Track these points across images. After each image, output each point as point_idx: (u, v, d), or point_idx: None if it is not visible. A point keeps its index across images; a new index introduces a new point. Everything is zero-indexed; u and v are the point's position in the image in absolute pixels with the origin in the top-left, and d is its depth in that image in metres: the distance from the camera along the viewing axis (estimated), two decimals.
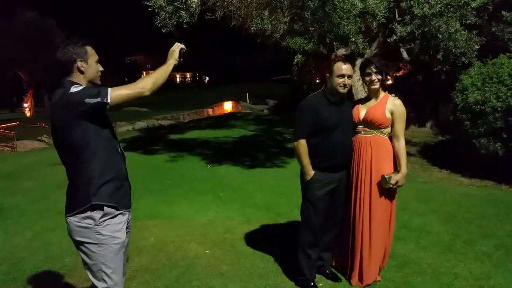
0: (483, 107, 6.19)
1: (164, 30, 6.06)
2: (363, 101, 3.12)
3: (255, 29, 5.88)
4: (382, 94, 3.03)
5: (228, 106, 24.96)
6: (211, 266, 3.46)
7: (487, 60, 6.88)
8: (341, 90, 2.93)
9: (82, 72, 2.03)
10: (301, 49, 12.50)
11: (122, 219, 2.03)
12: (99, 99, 1.89)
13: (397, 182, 2.91)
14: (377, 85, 2.96)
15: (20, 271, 3.42)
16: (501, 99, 6.00)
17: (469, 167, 6.79)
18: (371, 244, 3.01)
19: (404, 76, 14.89)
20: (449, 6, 6.34)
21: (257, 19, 5.73)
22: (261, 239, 4.08)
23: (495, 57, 6.79)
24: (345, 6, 5.31)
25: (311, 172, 2.98)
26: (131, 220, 2.21)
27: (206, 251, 3.79)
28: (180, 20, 5.91)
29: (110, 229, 1.96)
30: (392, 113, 2.97)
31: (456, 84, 7.01)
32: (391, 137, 3.03)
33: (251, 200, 5.54)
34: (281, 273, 3.31)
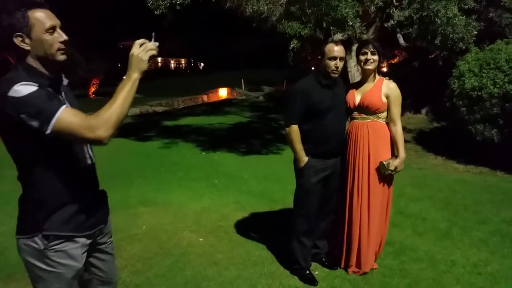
0: (480, 93, 6.13)
1: (156, 12, 5.89)
2: (357, 85, 3.02)
3: (251, 11, 5.72)
4: (377, 77, 2.94)
5: (223, 93, 24.73)
6: (205, 254, 3.40)
7: (484, 46, 6.80)
8: (333, 73, 2.83)
9: (25, 51, 1.47)
10: (297, 34, 12.32)
11: (81, 243, 1.60)
12: (37, 124, 1.36)
13: (396, 167, 2.86)
14: (371, 66, 2.85)
15: (5, 261, 3.33)
16: (498, 85, 5.94)
17: (465, 154, 6.76)
18: (369, 230, 2.97)
19: (399, 63, 14.79)
20: None
21: (253, 0, 5.56)
22: (256, 226, 4.03)
23: (492, 43, 6.72)
24: None
25: (304, 159, 2.91)
26: (109, 238, 1.80)
27: (200, 239, 3.73)
28: (173, 1, 5.75)
29: (62, 256, 1.55)
30: (387, 97, 2.89)
31: (453, 70, 6.94)
32: (387, 122, 2.96)
33: (245, 187, 5.48)
34: (276, 261, 3.27)
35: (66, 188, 1.55)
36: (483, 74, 6.18)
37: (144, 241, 3.69)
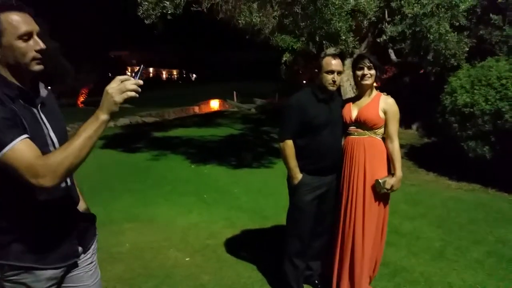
0: (472, 109, 6.11)
1: (147, 21, 5.79)
2: (354, 100, 2.93)
3: (243, 22, 5.65)
4: (374, 92, 2.86)
5: (215, 104, 24.68)
6: (191, 276, 3.23)
7: (475, 62, 6.81)
8: (331, 87, 2.75)
9: None
10: (290, 48, 12.35)
11: (46, 277, 1.41)
12: None
13: (392, 186, 2.75)
14: (368, 81, 2.77)
15: None
16: (489, 102, 5.91)
17: (456, 170, 6.70)
18: (363, 252, 2.84)
19: (389, 79, 14.89)
20: (440, 7, 6.25)
21: (246, 12, 5.49)
22: (246, 245, 3.88)
23: (483, 60, 6.73)
24: (337, 2, 5.14)
25: (298, 176, 2.79)
26: (90, 268, 1.60)
27: (186, 259, 3.56)
28: (164, 11, 5.65)
29: None
30: (385, 113, 2.79)
31: (445, 86, 6.93)
32: (383, 138, 2.87)
33: (236, 203, 5.33)
34: (267, 284, 3.12)
35: (28, 215, 1.37)
36: (475, 91, 6.16)
37: (127, 260, 3.51)
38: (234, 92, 25.86)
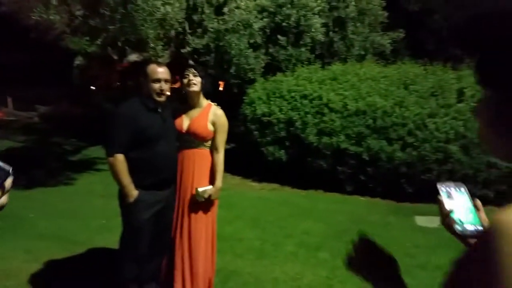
0: (269, 118, 6.92)
1: None
2: (186, 109, 2.87)
3: (38, 19, 4.77)
4: (204, 102, 2.86)
5: None
6: None
7: (268, 77, 7.77)
8: (158, 97, 2.60)
9: None
10: (83, 51, 11.26)
11: None
12: None
13: (210, 196, 2.78)
14: (195, 88, 2.76)
15: None
16: (283, 112, 6.83)
17: (258, 173, 7.45)
18: (192, 265, 2.79)
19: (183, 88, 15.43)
20: (239, 24, 6.84)
21: (41, 8, 4.65)
22: (57, 280, 3.26)
23: (274, 75, 7.75)
24: (146, 8, 4.94)
25: (133, 193, 2.52)
26: None
27: None
28: None
29: None
30: (214, 124, 2.83)
31: (244, 98, 7.63)
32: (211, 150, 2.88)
33: (34, 230, 4.44)
34: None
35: None
36: (271, 102, 7.01)
37: None
38: (8, 98, 21.84)
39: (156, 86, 2.58)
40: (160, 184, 2.64)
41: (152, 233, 2.64)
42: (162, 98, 2.63)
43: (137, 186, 2.53)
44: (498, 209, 0.59)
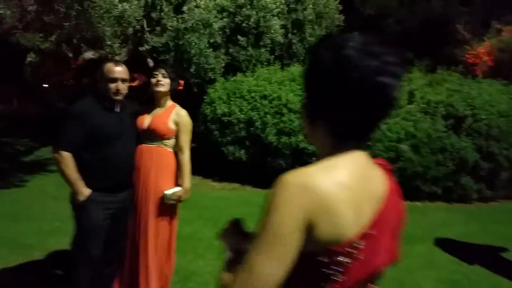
0: (229, 118, 6.96)
1: None
2: (150, 109, 2.87)
3: None
4: (169, 103, 2.87)
5: None
6: None
7: (229, 77, 7.81)
8: (114, 96, 2.57)
9: None
10: (36, 48, 10.78)
11: None
12: None
13: (179, 197, 2.80)
14: (162, 88, 2.76)
15: None
16: (243, 112, 6.89)
17: (218, 172, 7.47)
18: (148, 269, 2.78)
19: (140, 86, 15.12)
20: (199, 23, 6.83)
21: None
22: (7, 285, 3.14)
23: (235, 75, 7.80)
24: (103, 5, 4.83)
25: (83, 190, 2.45)
26: None
27: None
28: None
29: None
30: (177, 124, 2.83)
31: (205, 97, 7.62)
32: (176, 152, 2.89)
33: None
34: None
35: None
36: (231, 102, 7.05)
37: None
38: None
39: (113, 85, 2.54)
40: (115, 187, 2.58)
41: (107, 237, 2.58)
42: (119, 97, 2.59)
43: (92, 188, 2.48)
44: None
